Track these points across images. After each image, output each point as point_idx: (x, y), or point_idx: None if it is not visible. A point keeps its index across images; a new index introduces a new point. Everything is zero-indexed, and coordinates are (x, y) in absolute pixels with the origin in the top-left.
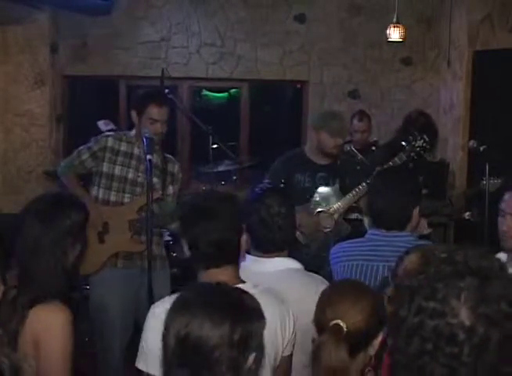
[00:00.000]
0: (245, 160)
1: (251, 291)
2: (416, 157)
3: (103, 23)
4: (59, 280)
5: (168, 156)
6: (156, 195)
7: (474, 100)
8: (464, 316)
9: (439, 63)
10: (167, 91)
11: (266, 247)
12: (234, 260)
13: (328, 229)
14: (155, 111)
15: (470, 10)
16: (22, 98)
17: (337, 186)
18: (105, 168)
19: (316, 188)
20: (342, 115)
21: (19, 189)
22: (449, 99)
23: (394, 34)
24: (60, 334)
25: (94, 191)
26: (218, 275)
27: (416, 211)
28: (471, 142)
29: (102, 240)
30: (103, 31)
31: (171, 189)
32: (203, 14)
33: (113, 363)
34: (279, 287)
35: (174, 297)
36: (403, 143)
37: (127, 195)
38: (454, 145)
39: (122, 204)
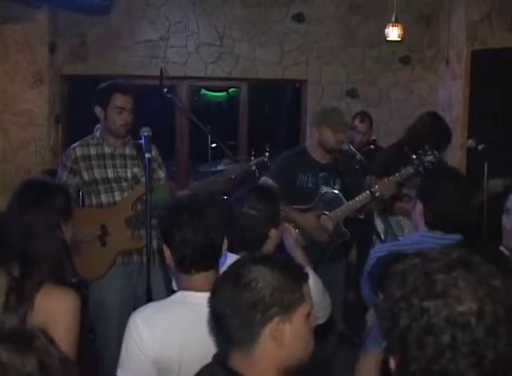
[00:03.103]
0: (244, 159)
1: None
2: (423, 172)
3: (102, 22)
4: (59, 259)
5: (141, 142)
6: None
7: (473, 99)
8: (469, 301)
9: (438, 62)
10: (165, 90)
11: (237, 247)
12: (216, 265)
13: (328, 232)
14: (120, 99)
15: (468, 9)
16: (20, 97)
17: (337, 186)
18: (85, 176)
19: (319, 188)
20: (343, 111)
21: None
22: (448, 98)
23: (393, 33)
24: (66, 319)
25: (86, 200)
26: (200, 280)
27: None
28: (470, 141)
29: (103, 243)
30: (102, 30)
31: (161, 173)
32: (202, 13)
33: (110, 359)
34: None
35: (155, 304)
36: (413, 156)
37: (116, 193)
38: (452, 144)
39: (115, 203)
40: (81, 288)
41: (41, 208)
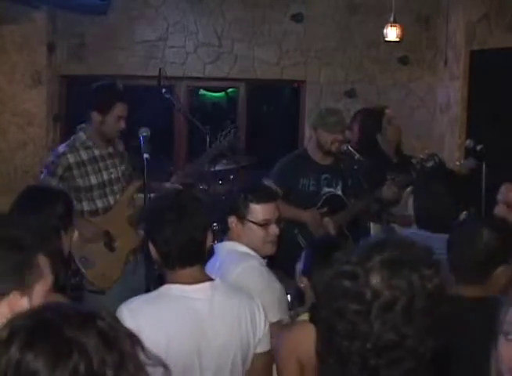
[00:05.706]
0: (242, 159)
1: (220, 286)
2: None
3: (100, 22)
4: (53, 265)
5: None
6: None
7: (471, 100)
8: (375, 280)
9: (436, 62)
10: (164, 90)
11: None
12: (203, 258)
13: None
14: (122, 109)
15: (467, 9)
16: (19, 97)
17: (339, 188)
18: (80, 183)
19: (321, 191)
20: (340, 110)
21: (15, 189)
22: (446, 98)
23: (392, 33)
24: None
25: (77, 206)
26: (185, 275)
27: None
28: (468, 142)
29: (112, 249)
30: (100, 31)
31: (123, 168)
32: (200, 13)
33: None
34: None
35: (141, 297)
36: (412, 161)
37: (110, 197)
38: (450, 144)
39: (110, 207)
40: (82, 288)
41: (42, 213)
